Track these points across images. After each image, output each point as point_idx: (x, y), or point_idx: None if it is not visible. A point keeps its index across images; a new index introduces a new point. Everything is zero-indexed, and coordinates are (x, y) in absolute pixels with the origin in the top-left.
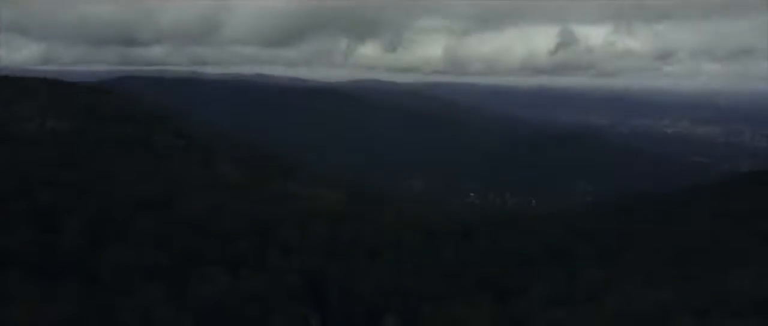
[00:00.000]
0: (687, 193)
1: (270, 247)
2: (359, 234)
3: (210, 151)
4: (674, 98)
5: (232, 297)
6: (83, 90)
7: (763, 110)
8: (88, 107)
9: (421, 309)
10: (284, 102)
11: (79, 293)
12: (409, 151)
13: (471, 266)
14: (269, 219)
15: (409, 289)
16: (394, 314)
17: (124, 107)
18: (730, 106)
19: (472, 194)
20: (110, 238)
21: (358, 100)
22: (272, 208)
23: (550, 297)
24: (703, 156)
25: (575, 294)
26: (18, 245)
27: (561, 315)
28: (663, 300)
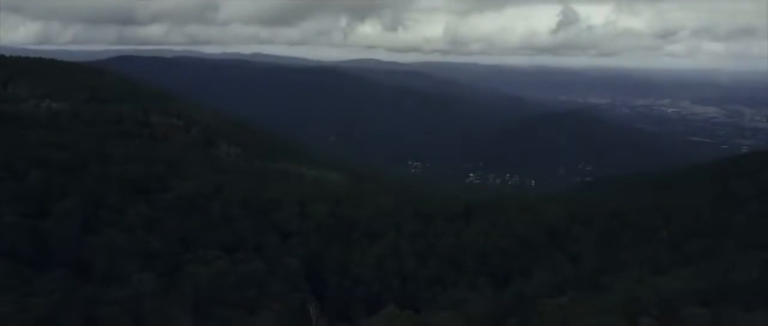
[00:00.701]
0: (687, 174)
1: (268, 230)
2: (358, 216)
3: (208, 132)
4: (675, 78)
5: (229, 282)
6: (80, 70)
7: (763, 90)
8: (85, 87)
9: (421, 293)
10: (283, 82)
11: (65, 282)
12: (408, 130)
13: (471, 249)
14: (268, 202)
15: (409, 273)
16: (393, 298)
17: (122, 87)
18: (730, 86)
19: (471, 175)
20: (103, 223)
21: (357, 80)
22: (271, 190)
23: (552, 282)
24: (703, 136)
25: (577, 279)
26: (3, 230)
27: (563, 299)
28: (666, 284)
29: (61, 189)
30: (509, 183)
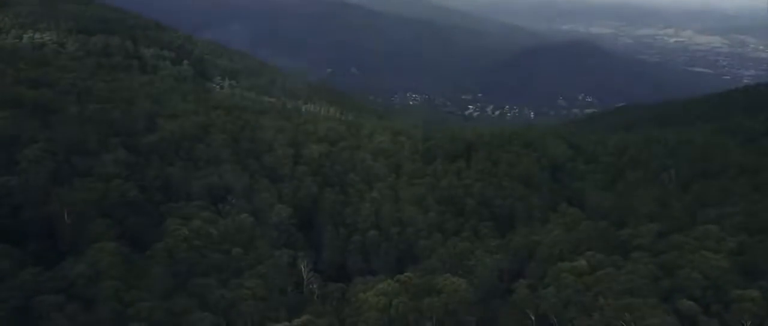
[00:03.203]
0: (688, 106)
1: (258, 176)
2: (355, 158)
3: (200, 64)
4: (679, 6)
5: (210, 239)
6: None
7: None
8: (71, 17)
9: (421, 241)
10: (279, 10)
11: (8, 260)
12: (407, 60)
13: (473, 191)
14: (260, 142)
15: (408, 219)
16: (390, 248)
17: (109, 17)
18: (735, 15)
19: (470, 107)
20: (75, 172)
21: (355, 7)
22: (264, 130)
23: (565, 237)
24: (705, 66)
25: (592, 235)
26: None
27: (580, 263)
28: (695, 245)
29: (32, 133)
30: (508, 115)
